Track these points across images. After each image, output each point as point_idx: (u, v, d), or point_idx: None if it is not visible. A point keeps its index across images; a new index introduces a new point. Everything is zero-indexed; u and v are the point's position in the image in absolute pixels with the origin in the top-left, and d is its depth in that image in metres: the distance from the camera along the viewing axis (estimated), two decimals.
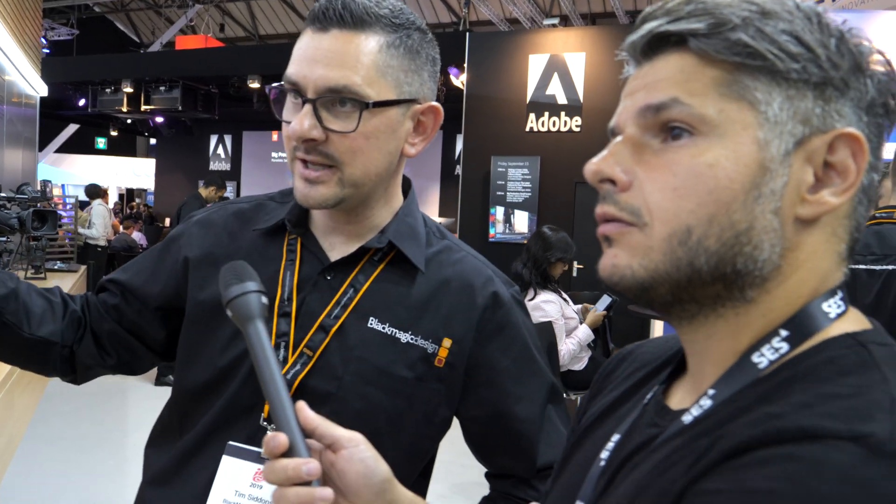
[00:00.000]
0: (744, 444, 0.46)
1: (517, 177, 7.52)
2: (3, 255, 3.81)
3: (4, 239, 3.68)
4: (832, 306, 0.54)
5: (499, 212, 7.61)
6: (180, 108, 10.93)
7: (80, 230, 8.97)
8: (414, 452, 1.02)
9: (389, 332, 0.98)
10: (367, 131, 0.91)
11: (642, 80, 0.56)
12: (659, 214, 0.53)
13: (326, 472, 0.70)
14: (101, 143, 18.85)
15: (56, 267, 6.21)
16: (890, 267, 1.74)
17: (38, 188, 5.73)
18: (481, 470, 1.10)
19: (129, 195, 19.93)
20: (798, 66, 0.52)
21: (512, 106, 7.55)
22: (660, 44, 0.56)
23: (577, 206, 7.27)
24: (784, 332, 0.53)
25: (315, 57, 0.90)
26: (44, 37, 12.87)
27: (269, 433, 0.67)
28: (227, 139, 14.53)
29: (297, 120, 0.90)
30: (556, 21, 10.68)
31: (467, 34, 8.11)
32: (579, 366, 4.07)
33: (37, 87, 7.90)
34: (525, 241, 5.76)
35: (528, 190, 7.49)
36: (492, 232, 7.63)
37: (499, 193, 7.59)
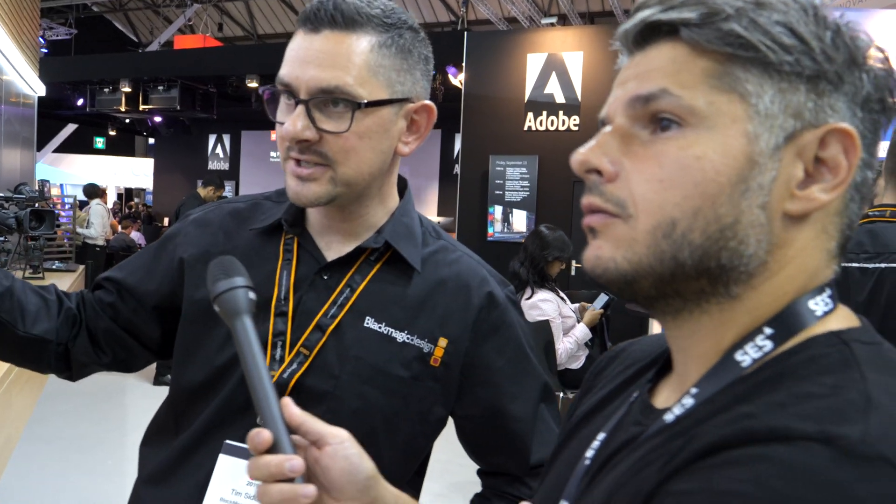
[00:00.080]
0: (715, 444, 0.45)
1: (515, 176, 7.52)
2: (0, 255, 3.81)
3: (2, 239, 3.68)
4: (819, 304, 0.53)
5: (497, 211, 7.61)
6: (179, 107, 10.92)
7: (79, 230, 8.96)
8: (409, 451, 1.03)
9: (386, 332, 0.98)
10: (360, 131, 0.92)
11: (634, 70, 0.55)
12: (644, 206, 0.52)
13: (311, 468, 0.69)
14: (99, 142, 18.85)
15: (54, 267, 6.21)
16: (883, 265, 1.75)
17: (36, 188, 5.73)
18: None
19: (127, 195, 19.94)
20: (791, 59, 0.50)
21: (510, 105, 7.55)
22: (652, 33, 0.55)
23: (575, 205, 7.24)
24: (769, 330, 0.52)
25: (307, 58, 0.91)
26: (42, 36, 12.86)
27: (253, 429, 0.67)
28: (226, 139, 14.52)
29: (291, 121, 0.91)
30: (554, 20, 10.69)
31: (465, 33, 8.11)
32: (576, 364, 4.07)
33: (35, 87, 7.90)
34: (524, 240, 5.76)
35: (527, 189, 7.49)
36: (490, 231, 7.63)
37: (497, 192, 7.59)
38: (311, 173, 0.93)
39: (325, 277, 1.00)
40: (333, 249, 1.01)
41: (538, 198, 7.45)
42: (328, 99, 0.90)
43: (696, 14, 0.52)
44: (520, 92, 7.50)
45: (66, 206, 8.84)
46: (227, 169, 14.33)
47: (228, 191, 10.21)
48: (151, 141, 17.80)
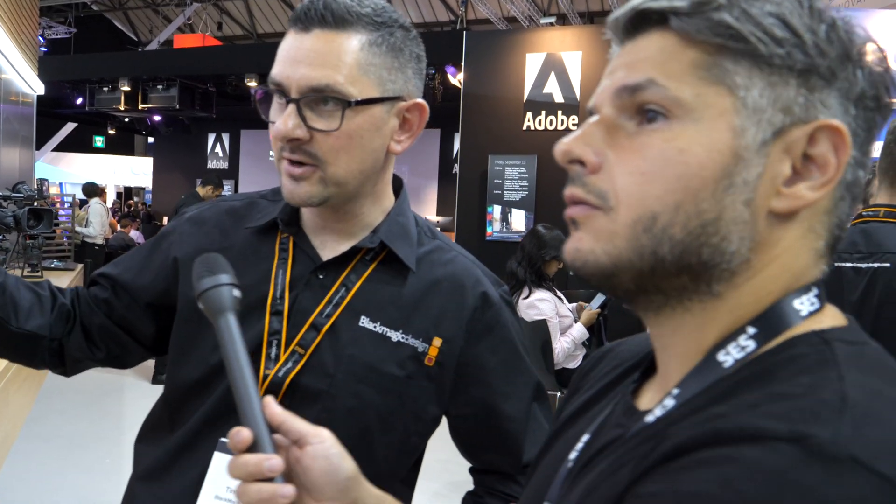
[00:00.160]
0: (685, 445, 0.44)
1: (514, 175, 7.52)
2: None
3: (0, 237, 3.68)
4: (805, 303, 0.51)
5: (496, 210, 7.61)
6: (178, 106, 10.91)
7: (78, 228, 8.96)
8: (404, 449, 1.03)
9: (380, 331, 0.99)
10: (351, 129, 0.92)
11: (623, 59, 0.54)
12: (625, 199, 0.51)
13: (291, 468, 0.68)
14: (98, 141, 18.84)
15: (53, 265, 6.21)
16: (876, 265, 1.75)
17: (35, 187, 5.72)
18: None
19: (126, 194, 19.93)
20: (782, 52, 0.49)
21: (509, 105, 7.55)
22: (643, 22, 0.53)
23: None
24: (752, 330, 0.51)
25: (297, 57, 0.91)
26: (41, 35, 12.84)
27: (234, 428, 0.66)
28: (225, 138, 14.51)
29: (282, 120, 0.91)
30: (553, 20, 10.69)
31: (464, 33, 8.12)
32: (574, 364, 4.07)
33: (34, 86, 7.89)
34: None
35: (526, 189, 7.49)
36: (489, 230, 7.63)
37: (496, 192, 7.59)
38: (303, 172, 0.93)
39: (321, 277, 1.00)
40: (329, 249, 1.02)
41: (537, 197, 7.45)
42: (319, 98, 0.91)
43: (687, 3, 0.50)
44: (519, 91, 7.50)
45: (66, 205, 8.82)
46: (226, 168, 14.32)
47: (227, 190, 10.23)
48: (150, 140, 17.79)
